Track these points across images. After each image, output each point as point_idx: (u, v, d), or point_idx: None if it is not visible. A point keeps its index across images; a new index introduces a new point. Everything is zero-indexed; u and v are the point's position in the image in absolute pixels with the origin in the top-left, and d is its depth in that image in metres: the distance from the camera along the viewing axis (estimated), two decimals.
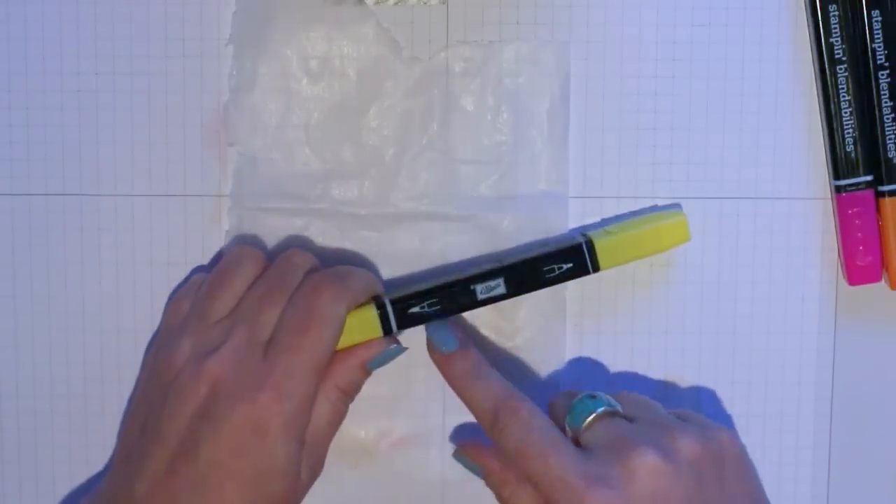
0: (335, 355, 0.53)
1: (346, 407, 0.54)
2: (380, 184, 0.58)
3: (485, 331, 0.58)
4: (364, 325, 0.53)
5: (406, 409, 0.58)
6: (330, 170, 0.58)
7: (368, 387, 0.58)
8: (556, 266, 0.54)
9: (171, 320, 0.55)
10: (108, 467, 0.58)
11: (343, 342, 0.53)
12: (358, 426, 0.58)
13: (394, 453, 0.58)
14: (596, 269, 0.55)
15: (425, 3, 0.57)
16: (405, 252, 0.58)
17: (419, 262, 0.58)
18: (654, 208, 0.57)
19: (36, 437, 0.58)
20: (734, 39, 0.57)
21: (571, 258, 0.54)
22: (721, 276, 0.58)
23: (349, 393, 0.54)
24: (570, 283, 0.57)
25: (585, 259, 0.54)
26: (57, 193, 0.58)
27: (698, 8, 0.57)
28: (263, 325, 0.52)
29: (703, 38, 0.57)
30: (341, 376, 0.54)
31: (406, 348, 0.55)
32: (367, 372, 0.54)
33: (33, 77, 0.58)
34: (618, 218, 0.58)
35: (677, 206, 0.57)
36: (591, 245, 0.54)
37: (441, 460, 0.58)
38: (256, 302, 0.53)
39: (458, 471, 0.58)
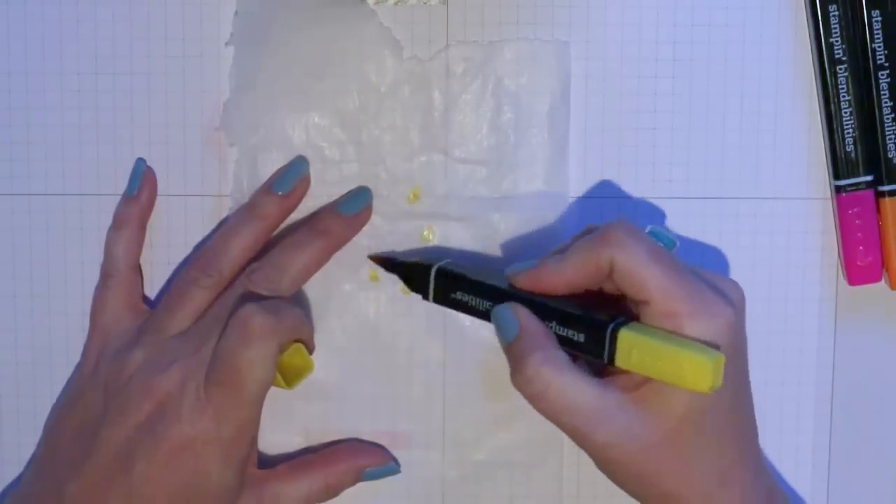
0: (337, 453, 0.56)
1: (320, 500, 0.56)
2: (379, 184, 0.58)
3: (484, 332, 0.58)
4: (296, 358, 0.54)
5: (406, 409, 0.58)
6: (330, 170, 0.58)
7: (369, 387, 0.58)
8: (571, 333, 0.50)
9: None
10: (30, 460, 0.58)
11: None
12: (358, 426, 0.58)
13: (394, 453, 0.58)
14: (611, 361, 0.49)
15: (425, 3, 0.57)
16: (405, 252, 0.58)
17: None
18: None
19: (36, 437, 0.58)
20: (734, 39, 0.57)
21: (590, 334, 0.50)
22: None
23: (332, 491, 0.56)
24: None
25: (604, 345, 0.49)
26: (57, 193, 0.58)
27: (698, 8, 0.57)
28: (211, 350, 0.53)
29: (703, 38, 0.57)
30: (335, 475, 0.56)
31: (400, 472, 0.57)
32: (359, 479, 0.57)
33: (33, 77, 0.58)
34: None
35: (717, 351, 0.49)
36: (615, 334, 0.49)
37: (441, 460, 0.58)
38: (211, 324, 0.53)
39: (457, 470, 0.58)
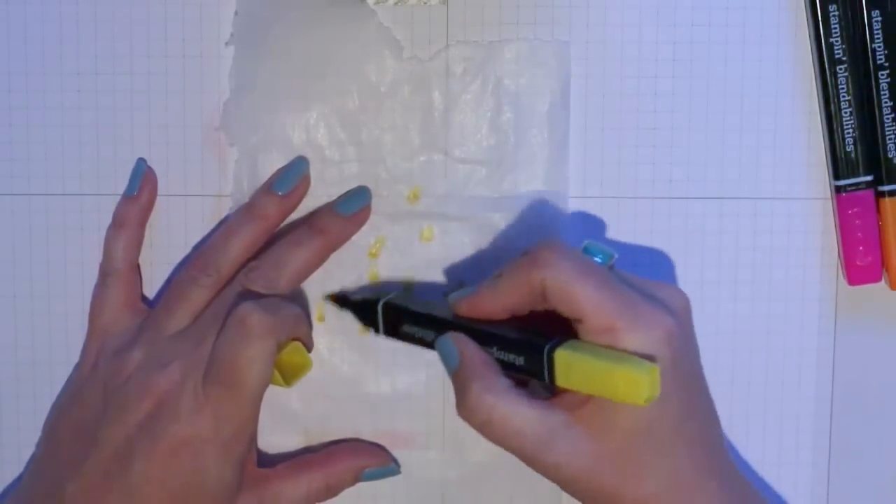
0: (337, 454, 0.56)
1: (319, 500, 0.56)
2: (379, 184, 0.58)
3: None
4: (294, 356, 0.54)
5: (406, 409, 0.58)
6: (330, 170, 0.58)
7: (369, 386, 0.58)
8: (512, 357, 0.50)
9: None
10: (29, 460, 0.58)
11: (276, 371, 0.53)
12: (358, 426, 0.58)
13: (394, 453, 0.58)
14: (552, 382, 0.49)
15: (425, 3, 0.57)
16: (405, 252, 0.58)
17: (419, 263, 0.58)
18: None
19: (36, 437, 0.58)
20: (734, 39, 0.57)
21: (529, 357, 0.50)
22: (721, 275, 0.58)
23: (332, 491, 0.56)
24: None
25: (543, 365, 0.49)
26: (57, 193, 0.58)
27: (698, 8, 0.57)
28: (210, 348, 0.53)
29: (703, 38, 0.57)
30: (335, 475, 0.56)
31: (400, 473, 0.57)
32: (359, 479, 0.57)
33: (33, 77, 0.58)
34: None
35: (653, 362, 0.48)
36: (551, 354, 0.49)
37: (441, 460, 0.58)
38: (210, 323, 0.53)
39: (457, 470, 0.58)
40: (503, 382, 0.49)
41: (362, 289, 0.58)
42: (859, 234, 0.57)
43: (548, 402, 0.50)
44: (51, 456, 0.55)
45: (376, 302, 0.55)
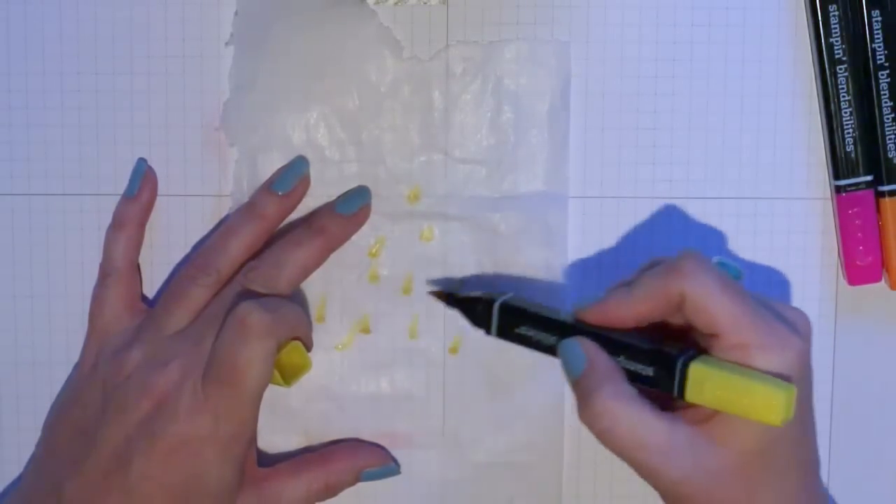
0: (337, 453, 0.56)
1: (319, 500, 0.56)
2: (379, 184, 0.58)
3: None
4: (294, 356, 0.54)
5: (406, 409, 0.58)
6: (330, 170, 0.58)
7: (369, 386, 0.58)
8: (639, 367, 0.49)
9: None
10: (29, 459, 0.58)
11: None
12: (358, 426, 0.58)
13: (394, 453, 0.58)
14: (681, 395, 0.48)
15: (425, 3, 0.57)
16: (405, 252, 0.58)
17: (419, 263, 0.58)
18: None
19: (36, 437, 0.58)
20: (734, 39, 0.57)
21: (659, 368, 0.49)
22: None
23: (332, 491, 0.56)
24: (568, 285, 0.58)
25: (674, 379, 0.49)
26: (57, 193, 0.58)
27: (698, 8, 0.57)
28: (209, 348, 0.53)
29: (703, 38, 0.57)
30: (335, 475, 0.56)
31: (400, 473, 0.58)
32: (358, 479, 0.57)
33: (33, 77, 0.58)
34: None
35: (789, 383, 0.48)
36: (686, 367, 0.48)
37: (441, 460, 0.58)
38: (209, 322, 0.53)
39: (457, 471, 0.58)
40: (631, 391, 0.49)
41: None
42: (859, 234, 0.57)
43: (672, 414, 0.49)
44: (50, 455, 0.55)
45: (492, 302, 0.53)
